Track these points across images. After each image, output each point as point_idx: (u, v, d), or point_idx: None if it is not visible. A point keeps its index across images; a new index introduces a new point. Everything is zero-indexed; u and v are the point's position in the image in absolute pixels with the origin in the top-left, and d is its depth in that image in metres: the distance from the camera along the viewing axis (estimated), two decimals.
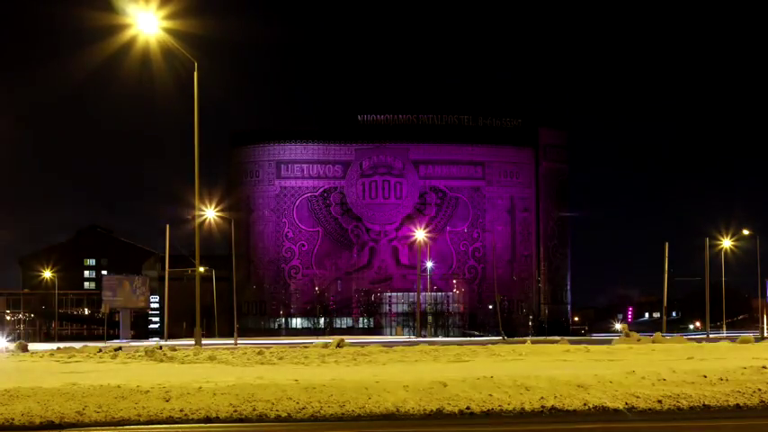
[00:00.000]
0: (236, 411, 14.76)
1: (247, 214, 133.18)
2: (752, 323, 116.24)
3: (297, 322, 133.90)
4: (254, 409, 14.82)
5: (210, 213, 79.73)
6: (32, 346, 48.12)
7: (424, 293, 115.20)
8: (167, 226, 77.08)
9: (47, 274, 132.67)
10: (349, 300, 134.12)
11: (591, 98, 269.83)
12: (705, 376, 16.82)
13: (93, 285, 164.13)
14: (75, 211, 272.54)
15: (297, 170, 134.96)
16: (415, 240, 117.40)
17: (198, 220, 48.72)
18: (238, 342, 66.82)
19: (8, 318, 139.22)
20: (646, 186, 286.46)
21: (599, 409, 15.02)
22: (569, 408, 15.03)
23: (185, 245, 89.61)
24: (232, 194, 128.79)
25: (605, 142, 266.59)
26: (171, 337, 79.44)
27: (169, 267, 77.91)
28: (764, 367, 18.17)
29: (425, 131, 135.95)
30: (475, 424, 14.27)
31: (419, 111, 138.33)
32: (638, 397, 15.48)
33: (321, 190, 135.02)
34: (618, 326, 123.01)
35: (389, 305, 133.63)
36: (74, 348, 39.34)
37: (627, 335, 45.07)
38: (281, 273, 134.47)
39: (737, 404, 15.46)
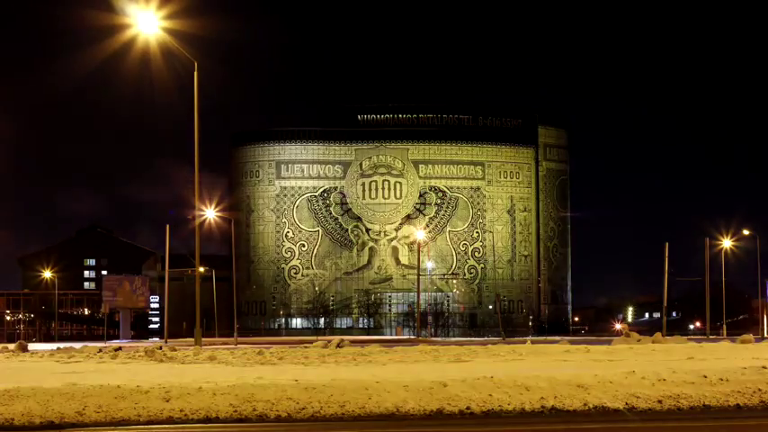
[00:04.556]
0: (236, 411, 14.75)
1: (247, 214, 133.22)
2: (752, 323, 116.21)
3: (297, 322, 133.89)
4: (254, 410, 14.81)
5: (210, 213, 79.71)
6: (32, 346, 48.12)
7: (423, 293, 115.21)
8: (167, 226, 77.04)
9: (47, 274, 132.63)
10: (349, 300, 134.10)
11: (591, 98, 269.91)
12: (705, 376, 16.81)
13: (93, 285, 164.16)
14: (75, 211, 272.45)
15: (297, 170, 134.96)
16: (415, 240, 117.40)
17: (198, 220, 48.67)
18: (238, 342, 66.81)
19: (8, 318, 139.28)
20: (646, 186, 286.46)
21: (599, 409, 15.01)
22: (569, 408, 15.02)
23: (185, 245, 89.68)
24: (232, 194, 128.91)
25: (605, 142, 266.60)
26: (171, 337, 79.42)
27: (169, 267, 77.89)
28: (764, 367, 18.15)
29: (425, 131, 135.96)
30: (475, 424, 14.26)
31: (419, 111, 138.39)
32: (638, 397, 15.46)
33: (321, 190, 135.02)
34: (618, 326, 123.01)
35: (389, 305, 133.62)
36: (74, 348, 39.33)
37: (627, 335, 45.01)
38: (281, 273, 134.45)
39: (738, 404, 15.45)
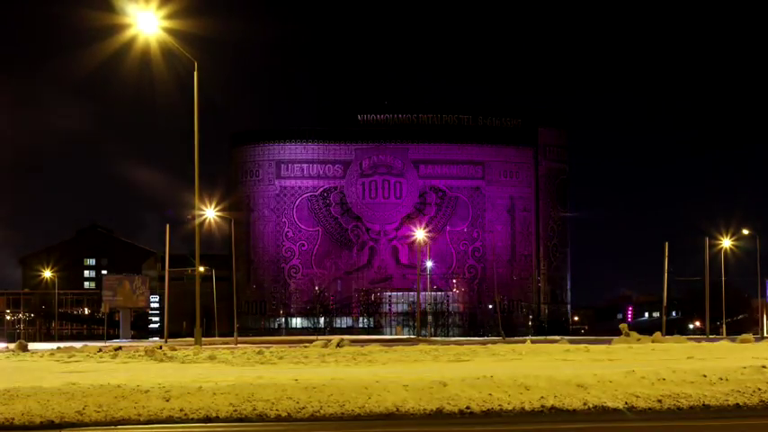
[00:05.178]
0: (236, 411, 14.75)
1: (247, 214, 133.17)
2: (752, 323, 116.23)
3: (297, 322, 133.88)
4: (254, 409, 14.81)
5: (210, 213, 79.67)
6: (32, 346, 48.14)
7: (423, 293, 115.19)
8: (167, 226, 77.02)
9: (47, 273, 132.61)
10: (349, 299, 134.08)
11: (591, 98, 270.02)
12: (705, 376, 16.81)
13: (93, 285, 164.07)
14: (75, 211, 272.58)
15: (297, 170, 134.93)
16: (415, 240, 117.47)
17: (198, 220, 48.67)
18: (238, 342, 66.85)
19: (8, 317, 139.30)
20: (646, 186, 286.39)
21: (599, 409, 15.01)
22: (569, 407, 15.02)
23: (185, 245, 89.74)
24: (232, 194, 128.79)
25: (605, 142, 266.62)
26: (171, 336, 79.44)
27: (169, 267, 77.86)
28: (764, 367, 18.15)
29: (425, 131, 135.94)
30: (475, 424, 14.26)
31: (419, 111, 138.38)
32: (637, 396, 15.46)
33: (321, 190, 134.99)
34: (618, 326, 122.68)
35: (389, 305, 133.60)
36: (74, 348, 39.38)
37: (627, 335, 45.02)
38: (281, 273, 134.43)
39: (737, 404, 15.45)
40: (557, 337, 61.32)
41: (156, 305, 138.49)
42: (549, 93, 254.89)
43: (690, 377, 16.72)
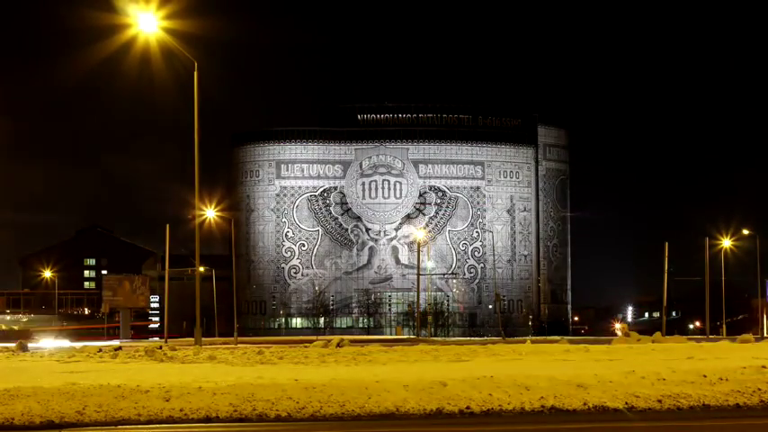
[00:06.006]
0: (236, 411, 14.75)
1: (247, 214, 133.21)
2: (752, 323, 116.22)
3: (297, 322, 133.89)
4: (254, 409, 14.81)
5: (210, 213, 79.72)
6: (32, 346, 48.13)
7: (423, 293, 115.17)
8: (167, 226, 77.00)
9: (47, 273, 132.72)
10: (349, 299, 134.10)
11: (591, 98, 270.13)
12: (705, 376, 16.81)
13: (93, 285, 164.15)
14: (75, 211, 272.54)
15: (297, 170, 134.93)
16: (415, 240, 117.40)
17: (198, 220, 48.67)
18: (238, 342, 66.85)
19: (8, 317, 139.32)
20: (646, 185, 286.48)
21: (599, 409, 15.02)
22: (569, 407, 15.02)
23: (185, 244, 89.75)
24: (232, 194, 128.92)
25: (605, 142, 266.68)
26: (171, 336, 79.44)
27: (169, 267, 77.87)
28: (764, 367, 18.16)
29: (425, 131, 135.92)
30: (475, 424, 14.27)
31: (419, 111, 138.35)
32: (637, 397, 15.47)
33: (321, 189, 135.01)
34: (617, 325, 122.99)
35: (389, 305, 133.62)
36: (74, 348, 39.38)
37: (627, 335, 45.09)
38: (281, 272, 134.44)
39: (737, 404, 15.45)
40: (557, 337, 61.36)
41: (156, 305, 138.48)
42: (549, 93, 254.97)
43: (690, 377, 16.73)
